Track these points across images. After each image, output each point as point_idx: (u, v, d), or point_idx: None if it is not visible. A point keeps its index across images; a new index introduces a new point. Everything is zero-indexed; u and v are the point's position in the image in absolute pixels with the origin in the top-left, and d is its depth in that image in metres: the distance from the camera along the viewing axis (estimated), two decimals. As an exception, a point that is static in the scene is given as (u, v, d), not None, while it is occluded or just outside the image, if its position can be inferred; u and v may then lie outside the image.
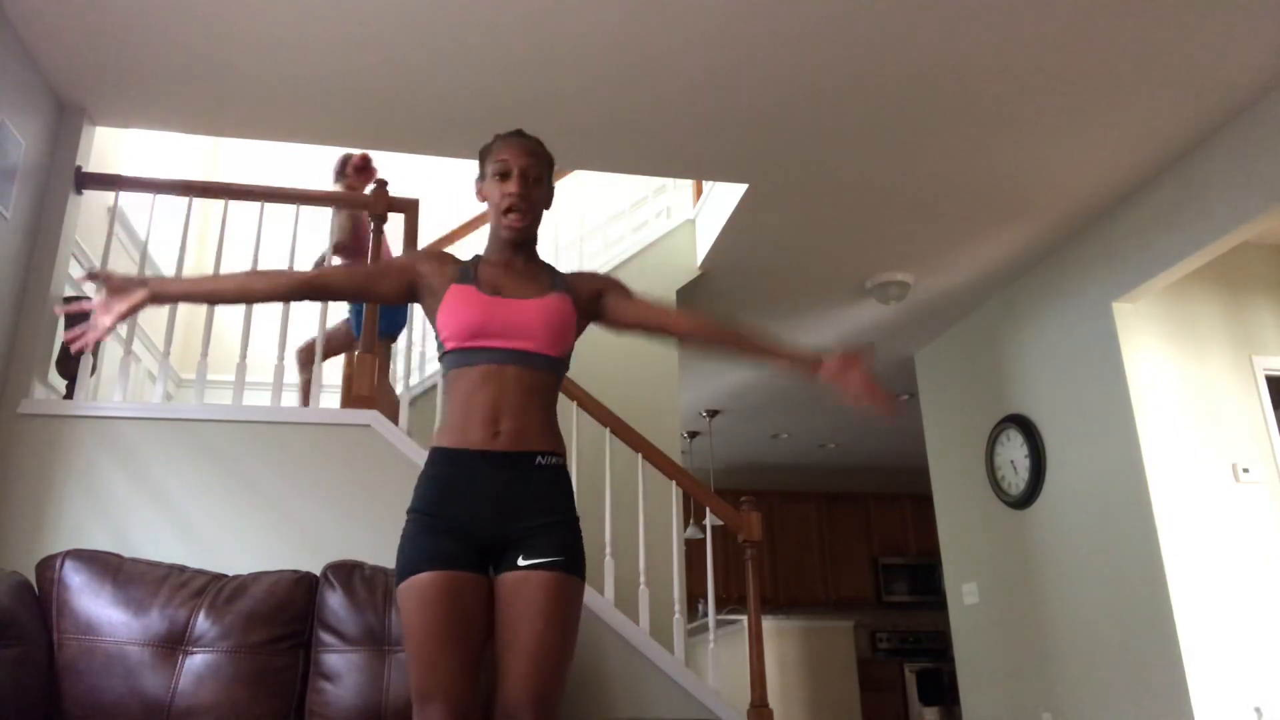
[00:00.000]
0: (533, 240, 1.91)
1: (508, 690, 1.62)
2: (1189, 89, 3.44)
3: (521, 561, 1.68)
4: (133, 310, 1.71)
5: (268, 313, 5.29)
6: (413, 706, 1.63)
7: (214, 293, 1.93)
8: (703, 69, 3.32)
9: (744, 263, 4.81)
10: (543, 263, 1.93)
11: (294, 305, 3.78)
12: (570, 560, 1.70)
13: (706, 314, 1.92)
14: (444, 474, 1.76)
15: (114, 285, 1.72)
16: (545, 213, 1.92)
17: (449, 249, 5.13)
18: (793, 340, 2.07)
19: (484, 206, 1.96)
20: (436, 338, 1.84)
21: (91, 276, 1.78)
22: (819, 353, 1.93)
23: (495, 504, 1.71)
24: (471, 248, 5.58)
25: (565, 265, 5.51)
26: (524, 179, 1.83)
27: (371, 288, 1.95)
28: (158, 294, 1.77)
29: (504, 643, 1.65)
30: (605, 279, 1.96)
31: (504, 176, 1.84)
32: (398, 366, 5.18)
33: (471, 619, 1.65)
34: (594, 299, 1.91)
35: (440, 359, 1.84)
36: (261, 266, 3.62)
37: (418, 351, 5.02)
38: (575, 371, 4.54)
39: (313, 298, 1.91)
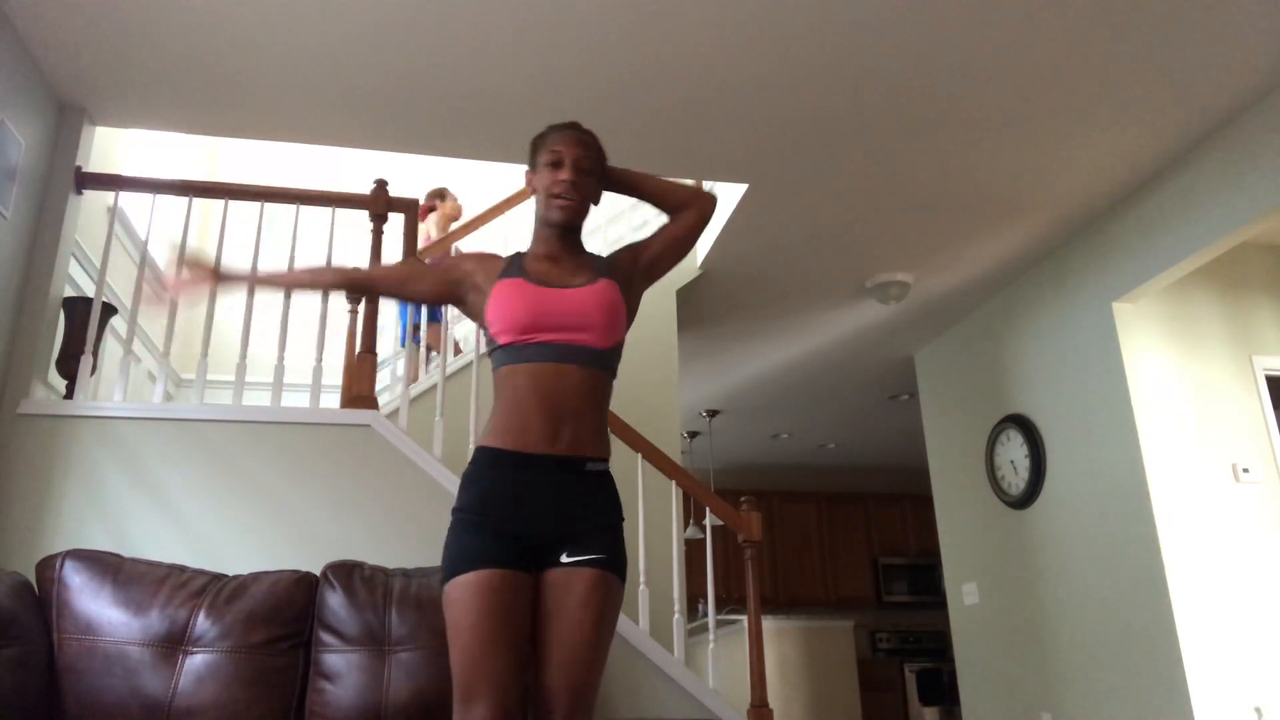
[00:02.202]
0: (578, 231, 1.91)
1: (544, 680, 1.64)
2: (1189, 89, 3.44)
3: (565, 559, 1.69)
4: (204, 285, 1.88)
5: (267, 313, 5.29)
6: (455, 705, 1.61)
7: (270, 279, 2.00)
8: (703, 70, 3.32)
9: (744, 263, 4.81)
10: (588, 253, 1.93)
11: (293, 306, 3.78)
12: (613, 560, 1.71)
13: (680, 194, 1.94)
14: (495, 475, 1.73)
15: (197, 270, 1.88)
16: (593, 208, 1.92)
17: (441, 251, 5.14)
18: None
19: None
20: (485, 334, 1.84)
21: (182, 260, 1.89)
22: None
23: (549, 508, 1.71)
24: (472, 247, 5.60)
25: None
26: (576, 168, 1.84)
27: (409, 286, 1.96)
28: (225, 278, 1.90)
29: (543, 637, 1.67)
30: (635, 246, 1.94)
31: (556, 165, 1.85)
32: (397, 366, 5.18)
33: (518, 618, 1.64)
34: (633, 266, 1.90)
35: (490, 354, 1.82)
36: (262, 266, 3.63)
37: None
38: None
39: (354, 292, 1.97)
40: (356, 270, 2.02)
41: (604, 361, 1.78)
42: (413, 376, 3.68)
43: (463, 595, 1.63)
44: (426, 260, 3.68)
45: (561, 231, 1.87)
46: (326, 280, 1.99)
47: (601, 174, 1.93)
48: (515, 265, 1.86)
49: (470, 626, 1.60)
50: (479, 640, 1.59)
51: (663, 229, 1.96)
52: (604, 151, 1.93)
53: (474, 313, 1.87)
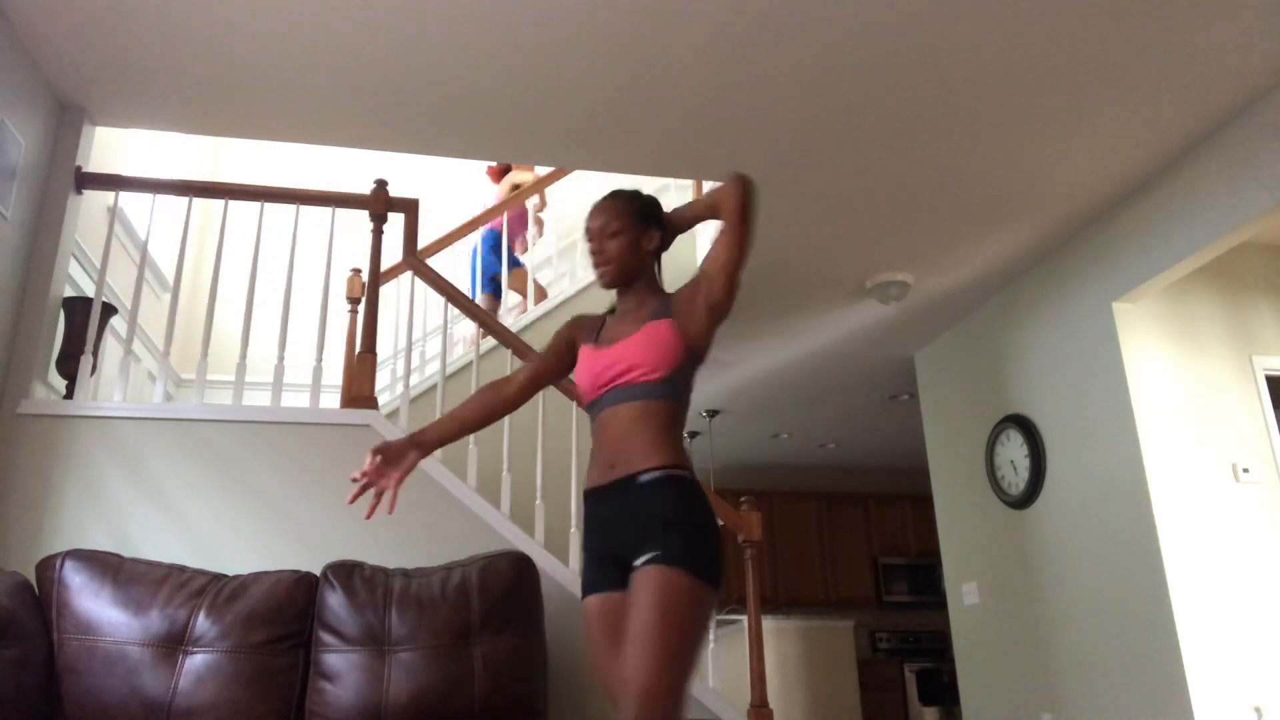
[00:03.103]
0: (638, 279, 2.05)
1: (620, 682, 1.72)
2: (1189, 89, 3.44)
3: (635, 564, 1.78)
4: (408, 472, 1.98)
5: (267, 313, 5.30)
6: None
7: (463, 425, 2.08)
8: (703, 69, 3.32)
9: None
10: (658, 294, 2.05)
11: (293, 307, 3.78)
12: (670, 555, 1.74)
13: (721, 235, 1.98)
14: (585, 512, 1.96)
15: (390, 454, 1.96)
16: (648, 246, 2.05)
17: (441, 251, 5.14)
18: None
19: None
20: None
21: (374, 452, 1.96)
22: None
23: (615, 528, 1.86)
24: (471, 247, 5.59)
25: (565, 265, 5.54)
26: (597, 238, 2.03)
27: (547, 375, 2.13)
28: (421, 445, 2.00)
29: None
30: (693, 283, 1.99)
31: (589, 242, 2.06)
32: (398, 366, 5.19)
33: (621, 630, 1.78)
34: (692, 303, 1.96)
35: None
36: (263, 269, 3.61)
37: (418, 351, 5.04)
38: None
39: (533, 393, 2.12)
40: (507, 384, 2.12)
41: (659, 391, 1.90)
42: (493, 323, 3.73)
43: (586, 619, 1.89)
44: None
45: (628, 288, 2.05)
46: (510, 400, 2.10)
47: (637, 223, 2.04)
48: (598, 327, 2.07)
49: (590, 645, 1.87)
50: (595, 654, 1.85)
51: (705, 270, 1.99)
52: (632, 205, 2.05)
53: None
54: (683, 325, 1.93)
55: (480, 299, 5.29)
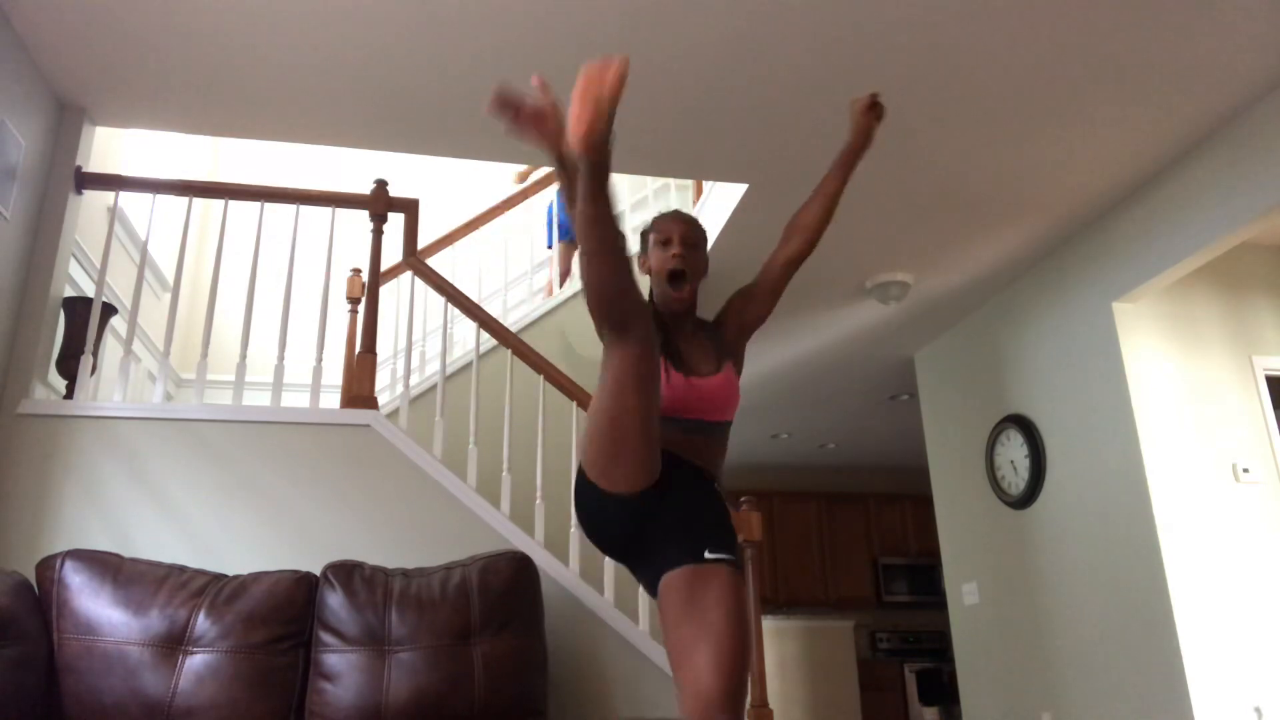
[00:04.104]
0: (695, 306, 2.05)
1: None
2: (1189, 89, 3.44)
3: (709, 554, 1.75)
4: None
5: (267, 313, 5.30)
6: None
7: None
8: (703, 69, 3.32)
9: (744, 263, 4.79)
10: (703, 323, 2.06)
11: (293, 307, 3.78)
12: (737, 561, 1.78)
13: (803, 213, 2.07)
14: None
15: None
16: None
17: (440, 251, 5.14)
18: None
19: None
20: None
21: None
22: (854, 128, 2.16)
23: (672, 501, 1.88)
24: (472, 247, 5.60)
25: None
26: (685, 243, 1.99)
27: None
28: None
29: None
30: (729, 306, 2.06)
31: (666, 244, 2.00)
32: (398, 366, 5.19)
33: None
34: (738, 326, 2.04)
35: None
36: (263, 269, 3.61)
37: (418, 351, 5.04)
38: (579, 372, 4.54)
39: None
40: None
41: (728, 429, 2.01)
42: (565, 272, 3.74)
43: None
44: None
45: (683, 314, 2.03)
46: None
47: (705, 252, 2.06)
48: (664, 338, 1.97)
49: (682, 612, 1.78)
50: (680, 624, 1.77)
51: (765, 273, 2.06)
52: (705, 234, 2.08)
53: None
54: (739, 365, 2.03)
55: (558, 248, 5.30)
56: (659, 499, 1.77)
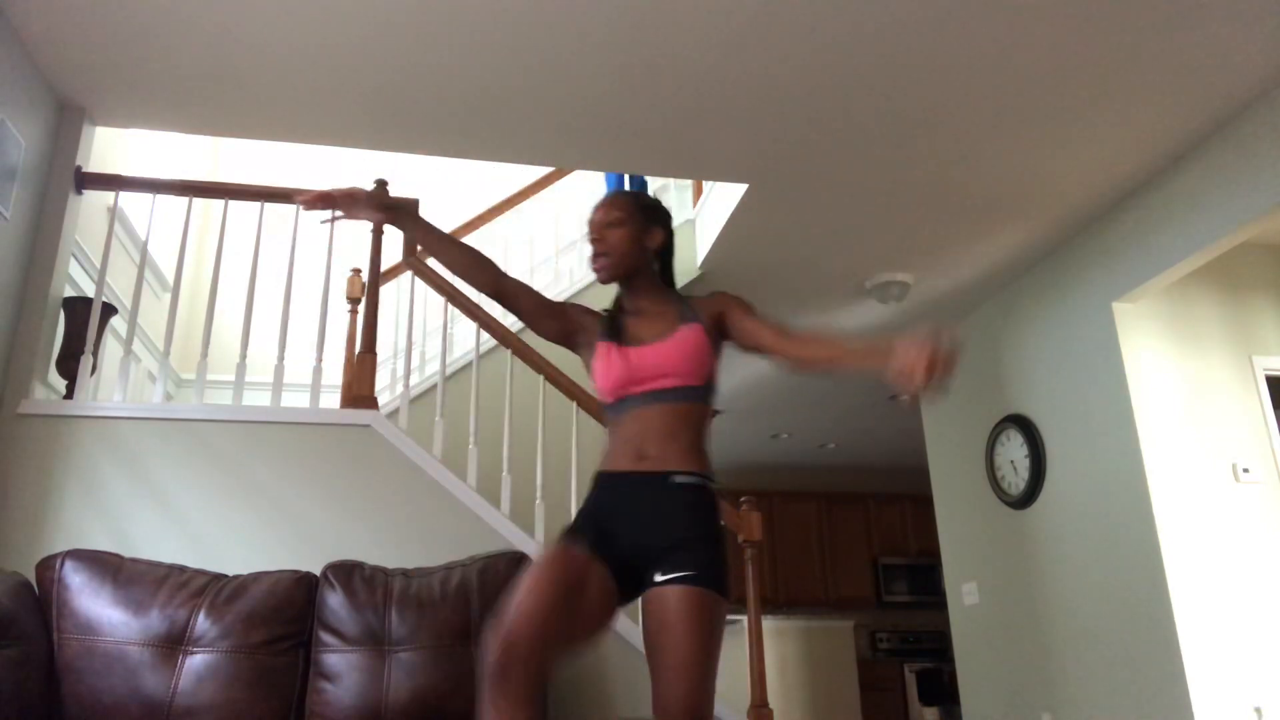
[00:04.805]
0: (638, 275, 2.02)
1: (659, 701, 1.71)
2: (1189, 89, 3.44)
3: (659, 578, 1.74)
4: (370, 216, 2.04)
5: (267, 313, 5.30)
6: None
7: (454, 246, 2.06)
8: (703, 69, 3.32)
9: (744, 263, 4.81)
10: (672, 294, 2.05)
11: (293, 307, 3.78)
12: (707, 575, 1.74)
13: (810, 337, 1.89)
14: (594, 493, 1.90)
15: (369, 204, 2.04)
16: (650, 244, 2.02)
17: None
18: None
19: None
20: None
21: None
22: (890, 344, 1.71)
23: (634, 520, 1.81)
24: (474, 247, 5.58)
25: (565, 265, 5.54)
26: (597, 228, 2.00)
27: (537, 317, 2.06)
28: (394, 211, 2.04)
29: (651, 659, 1.74)
30: (725, 299, 2.00)
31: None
32: (398, 366, 5.19)
33: (572, 587, 1.70)
34: (717, 320, 1.97)
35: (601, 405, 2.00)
36: (263, 269, 3.61)
37: (418, 351, 5.04)
38: (577, 370, 4.53)
39: (498, 300, 2.04)
40: (509, 281, 2.06)
41: (694, 395, 1.90)
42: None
43: (541, 559, 1.76)
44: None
45: (628, 286, 2.02)
46: (475, 258, 2.04)
47: (640, 220, 2.01)
48: (610, 323, 2.00)
49: (525, 578, 1.70)
50: (524, 585, 1.67)
51: (759, 329, 1.94)
52: (638, 203, 2.04)
53: (585, 364, 2.03)
54: (710, 334, 1.94)
55: None
56: (612, 525, 1.80)
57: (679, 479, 1.83)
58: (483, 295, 2.09)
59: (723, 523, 1.88)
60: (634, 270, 2.01)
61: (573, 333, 2.06)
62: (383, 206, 2.04)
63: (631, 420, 1.88)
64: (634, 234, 2.00)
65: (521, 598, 1.65)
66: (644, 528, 1.79)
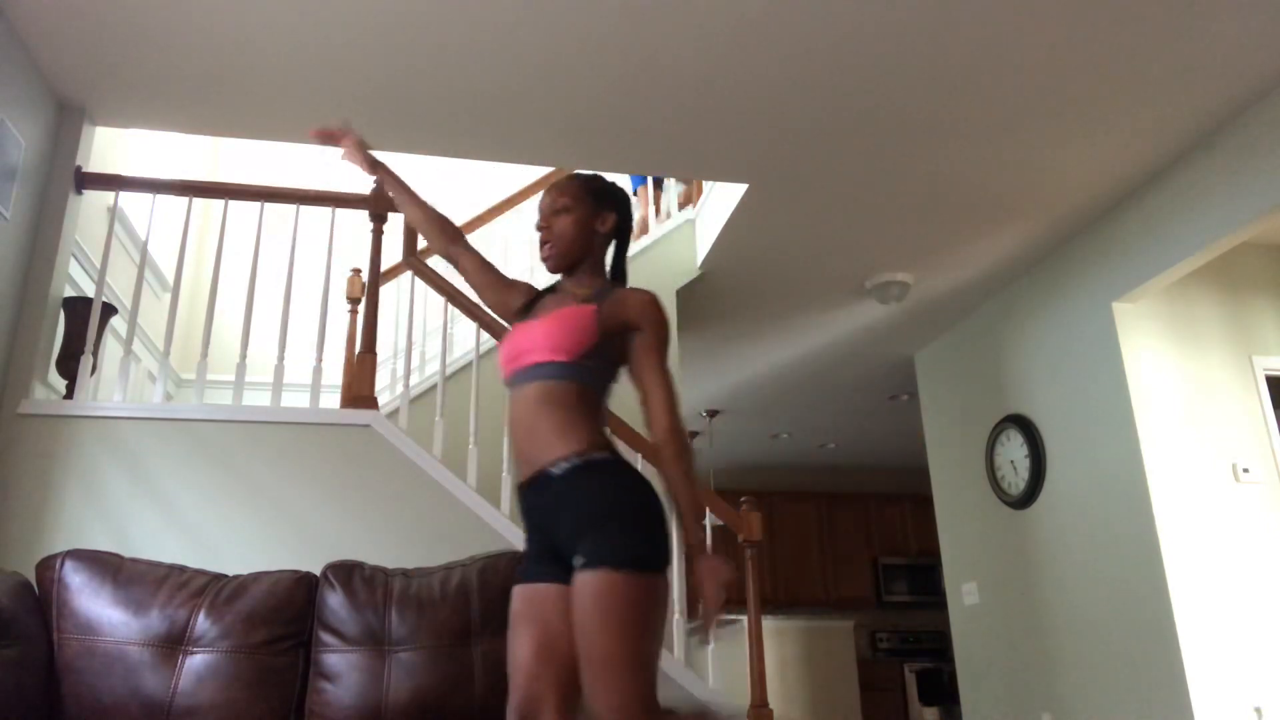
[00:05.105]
0: (584, 262, 1.95)
1: (587, 703, 1.65)
2: (1189, 89, 3.44)
3: (574, 567, 1.69)
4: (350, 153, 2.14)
5: (267, 313, 5.30)
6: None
7: (415, 200, 2.11)
8: (703, 69, 3.32)
9: (744, 263, 4.81)
10: (602, 282, 1.95)
11: (293, 307, 3.78)
12: (598, 555, 1.61)
13: (659, 425, 1.79)
14: (520, 509, 1.88)
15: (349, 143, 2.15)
16: (600, 228, 1.95)
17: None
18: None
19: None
20: None
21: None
22: (700, 545, 1.76)
23: (543, 528, 1.79)
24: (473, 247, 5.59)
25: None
26: (545, 215, 1.94)
27: (483, 288, 2.05)
28: (364, 151, 2.14)
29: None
30: (639, 312, 1.84)
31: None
32: (398, 366, 5.19)
33: (540, 622, 1.71)
34: (624, 321, 1.84)
35: None
36: (263, 269, 3.61)
37: (418, 351, 5.04)
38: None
39: (449, 260, 2.06)
40: (460, 234, 2.08)
41: (563, 372, 1.77)
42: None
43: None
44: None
45: (572, 273, 1.96)
46: (434, 217, 2.07)
47: (590, 207, 1.95)
48: (529, 306, 1.97)
49: (509, 640, 1.75)
50: (511, 647, 1.73)
51: (641, 377, 1.84)
52: (586, 188, 1.96)
53: None
54: (604, 321, 1.81)
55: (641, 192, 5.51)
56: (541, 537, 1.79)
57: (556, 470, 1.73)
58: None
59: (631, 489, 1.72)
60: (582, 258, 1.93)
61: (508, 310, 2.02)
62: (364, 151, 2.14)
63: (511, 407, 1.81)
64: (582, 219, 1.92)
65: (513, 664, 1.68)
66: (555, 530, 1.73)
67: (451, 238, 2.06)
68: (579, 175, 1.99)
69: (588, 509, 1.68)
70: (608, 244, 1.98)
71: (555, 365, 1.77)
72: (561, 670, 1.68)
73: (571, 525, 1.69)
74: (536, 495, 1.77)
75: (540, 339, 1.80)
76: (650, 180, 5.40)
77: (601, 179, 2.01)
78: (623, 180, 5.61)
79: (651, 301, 1.85)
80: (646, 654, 1.58)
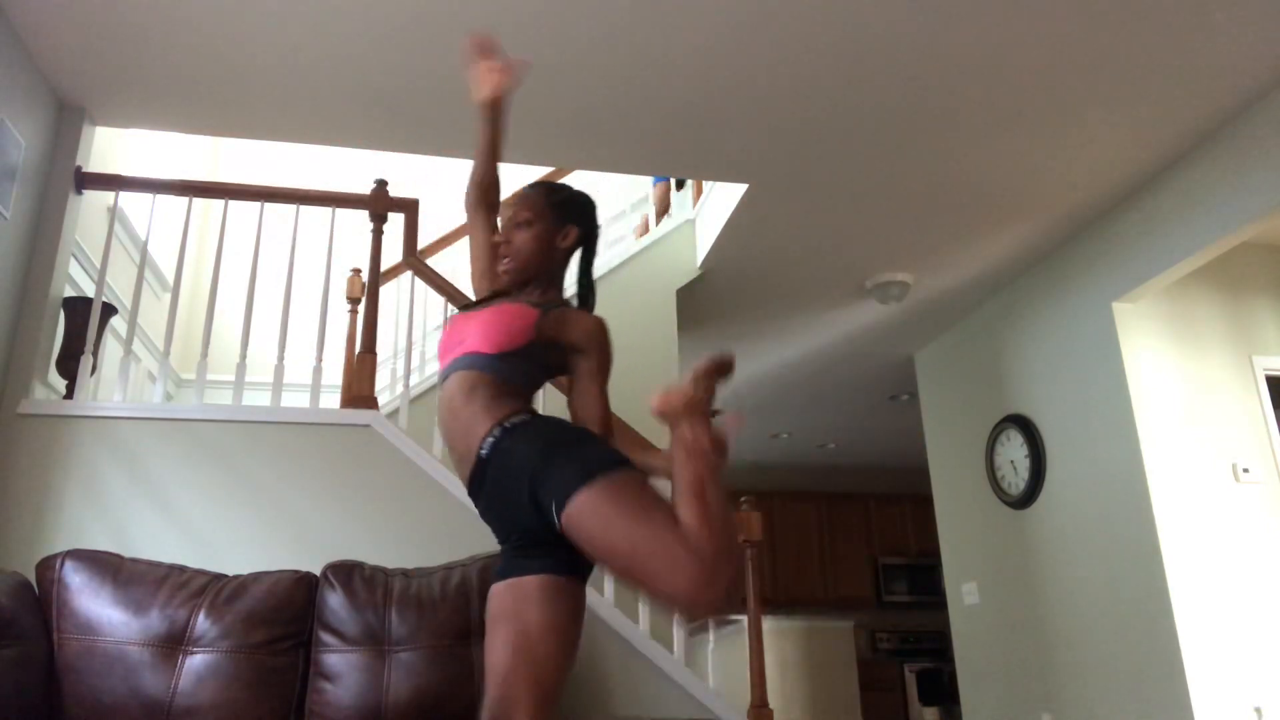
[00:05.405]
0: (540, 277, 1.87)
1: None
2: (1189, 89, 3.44)
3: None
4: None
5: (267, 313, 5.30)
6: None
7: (488, 148, 2.00)
8: (703, 69, 3.32)
9: (744, 263, 4.81)
10: (556, 296, 1.89)
11: (293, 307, 3.78)
12: (566, 485, 1.51)
13: (596, 418, 1.77)
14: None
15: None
16: (561, 243, 1.88)
17: (440, 251, 5.14)
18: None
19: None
20: None
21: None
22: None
23: (500, 519, 1.72)
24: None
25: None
26: (505, 228, 1.88)
27: (476, 265, 2.00)
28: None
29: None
30: (585, 337, 1.79)
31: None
32: (398, 366, 5.19)
33: (523, 622, 1.67)
34: (565, 338, 1.79)
35: None
36: (263, 269, 3.60)
37: (418, 351, 5.03)
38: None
39: (469, 209, 2.02)
40: (495, 208, 2.02)
41: (487, 364, 1.71)
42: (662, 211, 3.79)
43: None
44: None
45: (532, 286, 1.89)
46: (491, 179, 2.00)
47: (550, 222, 1.87)
48: (482, 300, 1.90)
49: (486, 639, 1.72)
50: (485, 641, 1.70)
51: (586, 400, 1.78)
52: (551, 200, 1.89)
53: None
54: (542, 328, 1.76)
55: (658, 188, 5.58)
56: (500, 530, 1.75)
57: (484, 451, 1.64)
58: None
59: (558, 425, 1.68)
60: (540, 273, 1.87)
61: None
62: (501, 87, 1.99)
63: (439, 404, 1.76)
64: (543, 234, 1.86)
65: (488, 664, 1.65)
66: (514, 508, 1.62)
67: (488, 204, 2.01)
68: (541, 186, 1.94)
69: (529, 462, 1.58)
70: (569, 258, 1.92)
71: (480, 356, 1.72)
72: (536, 670, 1.61)
73: (524, 488, 1.57)
74: (480, 488, 1.67)
75: (474, 330, 1.75)
76: (672, 179, 5.41)
77: (565, 189, 1.94)
78: (598, 181, 5.62)
79: (599, 328, 1.81)
80: (659, 520, 1.45)
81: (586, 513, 1.48)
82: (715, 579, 1.36)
